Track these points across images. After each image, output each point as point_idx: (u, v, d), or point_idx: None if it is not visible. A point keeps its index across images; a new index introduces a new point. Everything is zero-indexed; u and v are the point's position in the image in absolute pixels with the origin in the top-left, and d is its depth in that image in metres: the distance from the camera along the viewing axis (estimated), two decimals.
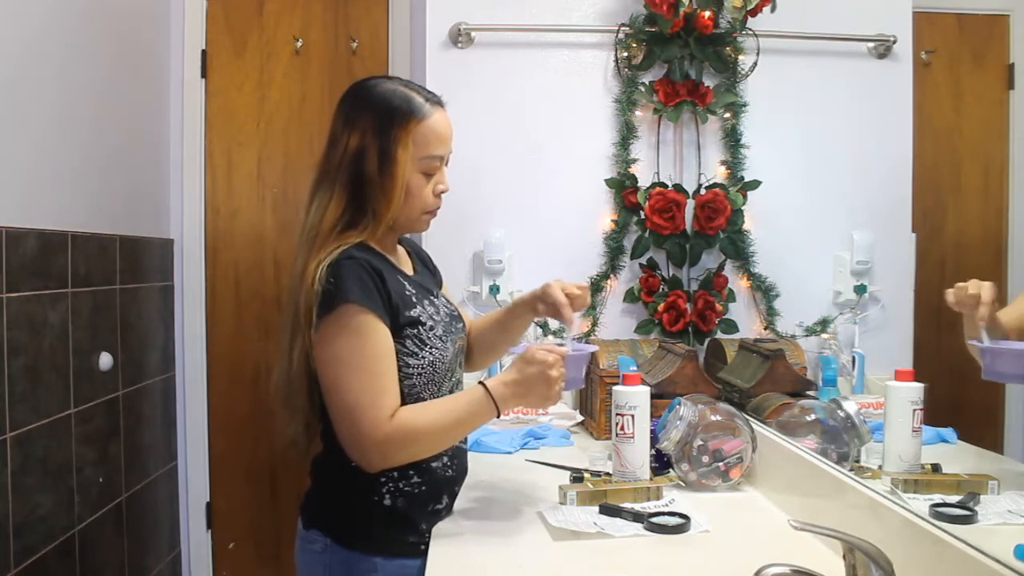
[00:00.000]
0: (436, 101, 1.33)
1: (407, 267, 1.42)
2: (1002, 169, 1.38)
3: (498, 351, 1.61)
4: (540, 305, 1.46)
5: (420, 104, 1.30)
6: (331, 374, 1.22)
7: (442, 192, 1.36)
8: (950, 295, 1.18)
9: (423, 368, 1.29)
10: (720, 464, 1.51)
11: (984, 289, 1.13)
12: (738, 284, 2.22)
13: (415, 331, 1.28)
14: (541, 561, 1.19)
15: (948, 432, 1.36)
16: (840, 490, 1.24)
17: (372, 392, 1.20)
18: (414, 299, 1.31)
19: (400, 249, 1.44)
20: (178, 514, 2.79)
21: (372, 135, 1.28)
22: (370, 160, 1.27)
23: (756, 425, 1.59)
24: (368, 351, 1.21)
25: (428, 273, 1.51)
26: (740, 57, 2.19)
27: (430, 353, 1.30)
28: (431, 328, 1.30)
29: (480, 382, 1.26)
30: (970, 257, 1.49)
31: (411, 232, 1.47)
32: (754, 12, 2.09)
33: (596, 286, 2.23)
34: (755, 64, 2.16)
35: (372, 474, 1.26)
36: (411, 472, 1.29)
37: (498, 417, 1.26)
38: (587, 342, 2.19)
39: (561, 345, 1.32)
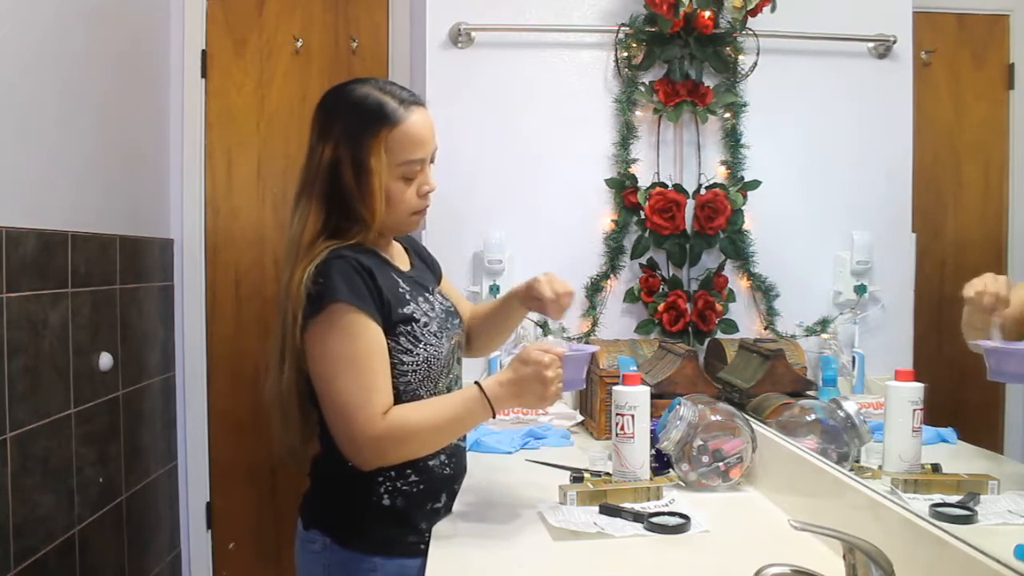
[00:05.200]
0: (412, 102, 1.29)
1: (403, 263, 1.42)
2: (1002, 169, 1.38)
3: (495, 341, 1.61)
4: (530, 301, 1.46)
5: (393, 109, 1.26)
6: (323, 373, 1.21)
7: (428, 192, 1.33)
8: (969, 291, 1.15)
9: (418, 365, 1.29)
10: (720, 464, 1.51)
11: (1001, 286, 1.13)
12: (738, 284, 2.22)
13: (408, 328, 1.28)
14: (541, 561, 1.19)
15: (948, 432, 1.36)
16: (840, 490, 1.24)
17: (365, 390, 1.20)
18: (407, 296, 1.30)
19: (396, 245, 1.43)
20: (178, 514, 2.79)
21: (345, 146, 1.25)
22: (345, 171, 1.25)
23: (756, 425, 1.59)
24: (359, 350, 1.21)
25: (425, 268, 1.50)
26: (740, 57, 2.19)
27: (424, 350, 1.29)
28: (425, 325, 1.30)
29: (476, 382, 1.26)
30: (970, 257, 1.48)
31: (403, 233, 1.46)
32: (754, 12, 2.09)
33: (596, 286, 2.23)
34: (755, 64, 2.16)
35: (370, 474, 1.26)
36: (409, 471, 1.29)
37: (493, 417, 1.26)
38: (587, 342, 2.19)
39: (568, 339, 1.32)
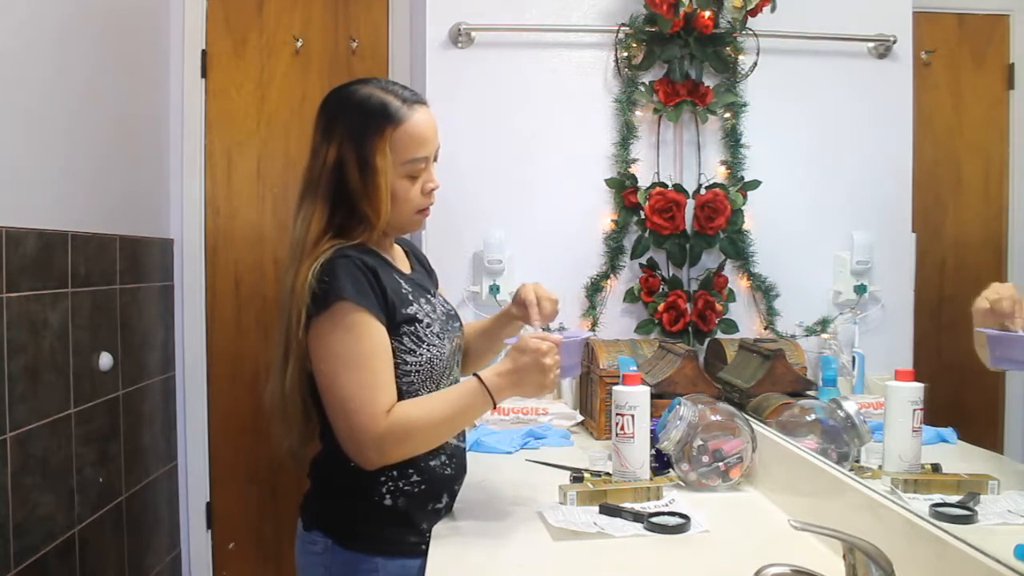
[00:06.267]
0: (415, 101, 1.30)
1: (404, 265, 1.43)
2: (1002, 169, 1.38)
3: (485, 358, 1.62)
4: (514, 308, 1.47)
5: (396, 108, 1.27)
6: (326, 371, 1.22)
7: (432, 190, 1.34)
8: (984, 303, 1.14)
9: (421, 365, 1.29)
10: (720, 464, 1.51)
11: (1013, 290, 1.13)
12: (738, 284, 2.22)
13: (412, 328, 1.28)
14: (541, 561, 1.19)
15: (948, 432, 1.36)
16: (840, 490, 1.24)
17: (368, 389, 1.20)
18: (410, 296, 1.31)
19: (397, 248, 1.44)
20: (178, 514, 2.79)
21: (349, 146, 1.26)
22: (351, 172, 1.26)
23: (756, 425, 1.59)
24: (363, 348, 1.21)
25: (425, 272, 1.51)
26: (740, 57, 2.18)
27: (427, 350, 1.30)
28: (428, 325, 1.30)
29: (474, 373, 1.26)
30: (970, 257, 1.48)
31: (407, 232, 1.47)
32: (754, 12, 2.09)
33: (596, 286, 2.23)
34: (755, 64, 2.16)
35: (372, 474, 1.26)
36: (411, 471, 1.29)
37: (494, 407, 1.26)
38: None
39: (561, 328, 1.32)
